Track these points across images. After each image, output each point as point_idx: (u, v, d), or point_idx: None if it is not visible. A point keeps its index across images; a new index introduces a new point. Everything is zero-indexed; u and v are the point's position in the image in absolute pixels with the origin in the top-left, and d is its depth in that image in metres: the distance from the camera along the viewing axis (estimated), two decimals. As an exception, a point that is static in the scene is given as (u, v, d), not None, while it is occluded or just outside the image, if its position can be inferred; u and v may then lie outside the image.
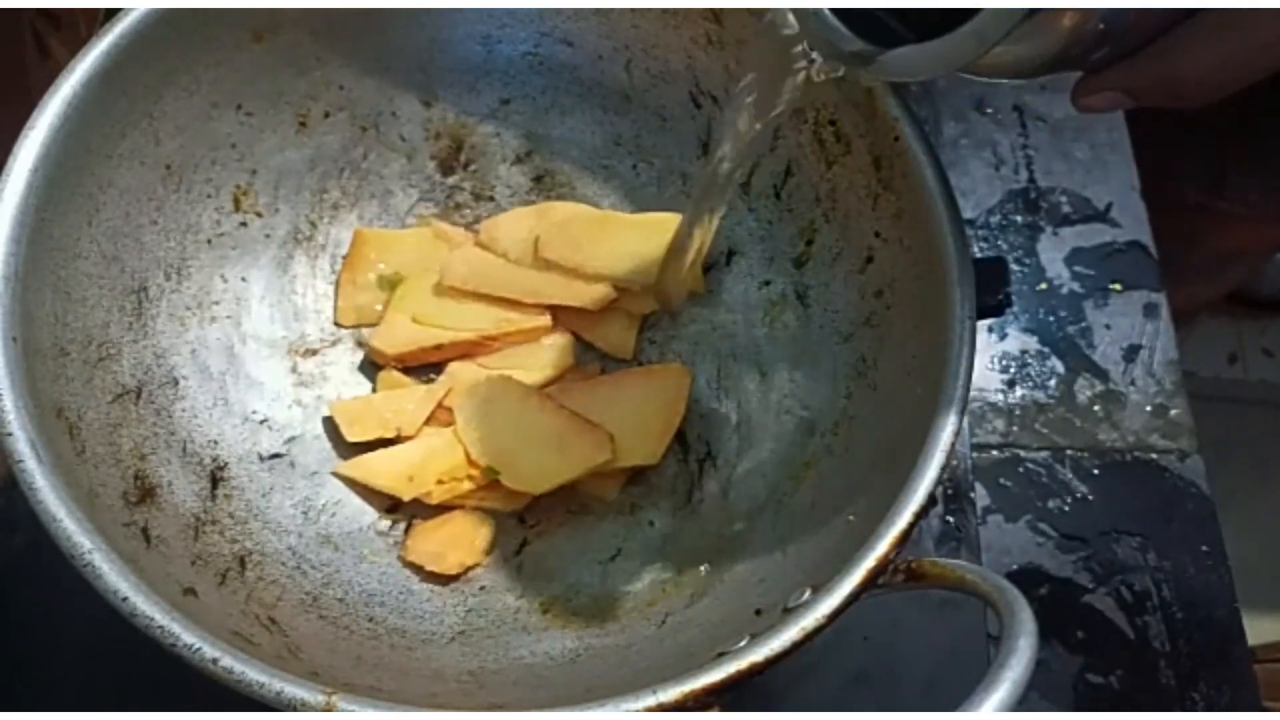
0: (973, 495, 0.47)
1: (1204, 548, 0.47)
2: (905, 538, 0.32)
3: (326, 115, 0.48)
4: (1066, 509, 0.48)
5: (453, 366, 0.47)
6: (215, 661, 0.28)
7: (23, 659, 0.42)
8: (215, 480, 0.41)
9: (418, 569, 0.42)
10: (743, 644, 0.31)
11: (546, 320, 0.47)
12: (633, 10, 0.47)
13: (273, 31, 0.43)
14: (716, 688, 0.29)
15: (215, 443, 0.42)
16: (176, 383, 0.42)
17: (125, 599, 0.29)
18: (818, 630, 0.31)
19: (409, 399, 0.45)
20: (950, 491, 0.47)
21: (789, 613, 0.32)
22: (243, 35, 0.43)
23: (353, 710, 0.28)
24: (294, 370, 0.46)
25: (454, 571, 0.42)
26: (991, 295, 0.50)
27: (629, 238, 0.48)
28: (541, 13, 0.48)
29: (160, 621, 0.29)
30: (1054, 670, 0.46)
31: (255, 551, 0.39)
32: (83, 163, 0.38)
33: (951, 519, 0.47)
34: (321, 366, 0.46)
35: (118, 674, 0.41)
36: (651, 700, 0.29)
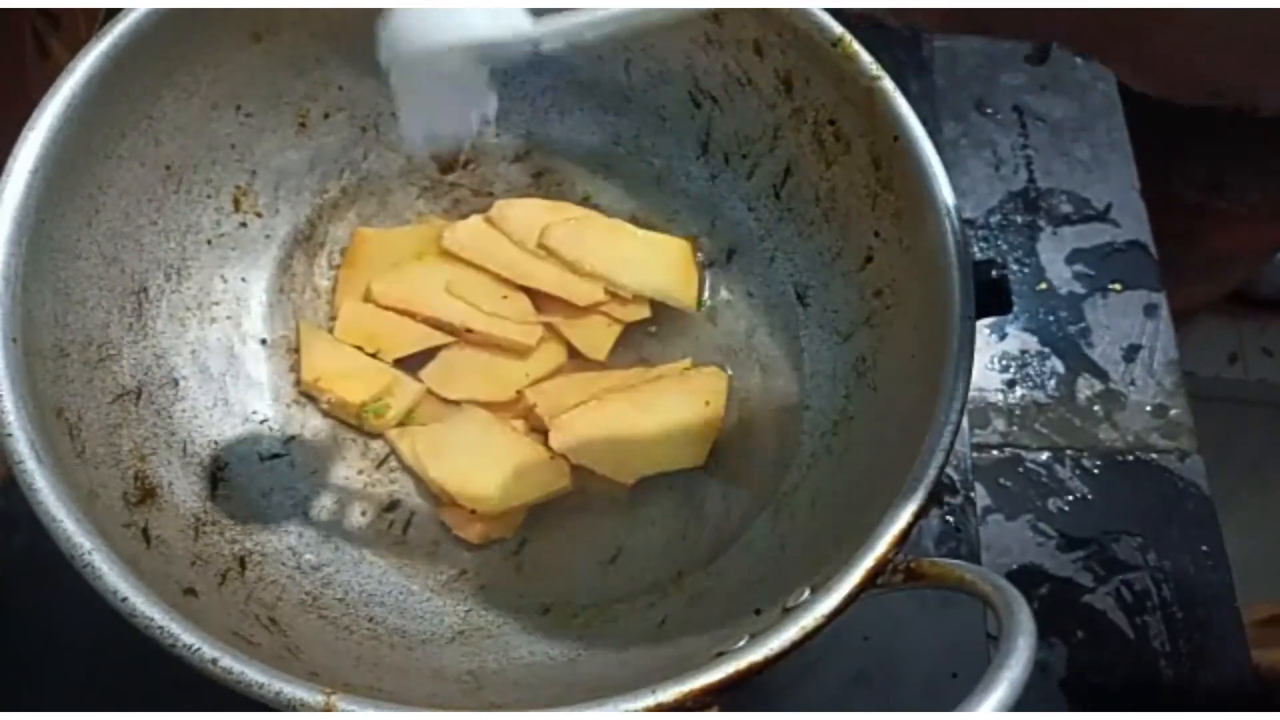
0: (973, 495, 0.47)
1: (1204, 548, 0.47)
2: (904, 537, 0.32)
3: (326, 116, 0.48)
4: (1066, 509, 0.48)
5: (431, 370, 0.46)
6: (215, 662, 0.28)
7: (23, 659, 0.42)
8: (215, 480, 0.41)
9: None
10: (742, 644, 0.31)
11: (534, 339, 0.47)
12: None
13: (272, 32, 0.43)
14: (716, 687, 0.29)
15: (215, 443, 0.42)
16: (176, 383, 0.42)
17: (125, 599, 0.29)
18: (817, 630, 0.31)
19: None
20: (950, 491, 0.47)
21: (788, 612, 0.32)
22: (242, 36, 0.43)
23: (352, 710, 0.28)
24: (293, 369, 0.46)
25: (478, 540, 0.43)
26: (991, 295, 0.50)
27: (632, 248, 0.48)
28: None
29: (160, 622, 0.29)
30: (1054, 670, 0.46)
31: (255, 552, 0.39)
32: (82, 164, 0.38)
33: (951, 519, 0.47)
34: (321, 366, 0.46)
35: (118, 674, 0.41)
36: (651, 700, 0.29)
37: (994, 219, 0.56)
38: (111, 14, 0.39)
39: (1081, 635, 0.46)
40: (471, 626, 0.40)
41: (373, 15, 0.46)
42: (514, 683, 0.37)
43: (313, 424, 0.45)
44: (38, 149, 0.35)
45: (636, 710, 0.29)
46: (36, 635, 0.42)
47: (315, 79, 0.46)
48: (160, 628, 0.29)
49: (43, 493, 0.30)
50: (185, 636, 0.29)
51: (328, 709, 0.28)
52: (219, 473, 0.41)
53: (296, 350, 0.46)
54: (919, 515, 0.33)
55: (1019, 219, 0.56)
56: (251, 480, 0.42)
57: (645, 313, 0.48)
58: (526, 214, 0.48)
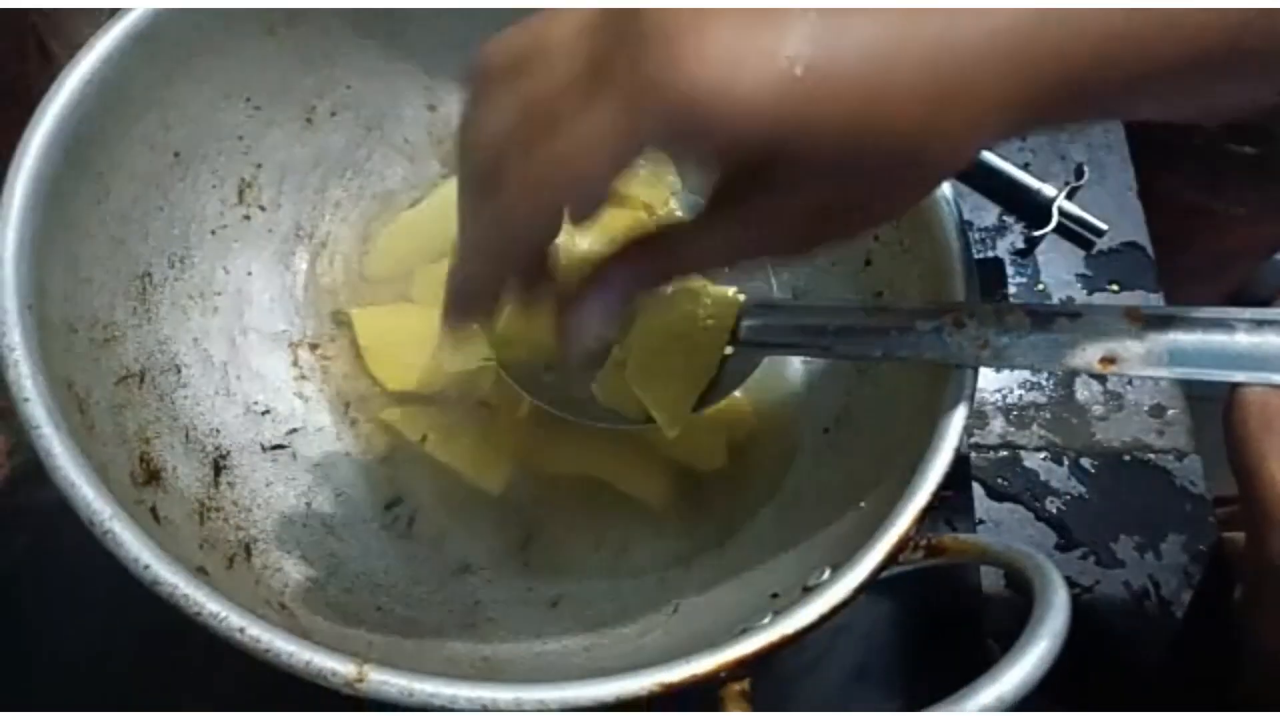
0: (971, 495, 0.48)
1: (1201, 548, 0.48)
2: (926, 514, 0.32)
3: (333, 114, 0.48)
4: (1064, 509, 0.49)
5: None
6: (242, 630, 0.28)
7: (25, 660, 0.40)
8: (218, 468, 0.40)
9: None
10: (767, 620, 0.31)
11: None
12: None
13: (287, 25, 0.43)
14: (750, 659, 0.29)
15: (217, 431, 0.41)
16: (179, 370, 0.41)
17: (148, 567, 0.28)
18: (844, 604, 0.31)
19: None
20: (949, 491, 0.48)
21: (809, 591, 0.32)
22: (258, 27, 0.43)
23: (386, 679, 0.27)
24: (295, 364, 0.45)
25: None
26: (989, 296, 0.51)
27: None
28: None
29: (184, 589, 0.28)
30: (1053, 670, 0.45)
31: (260, 539, 0.39)
32: (96, 141, 0.37)
33: (950, 518, 0.47)
34: (323, 361, 0.46)
35: (120, 675, 0.40)
36: (685, 671, 0.29)
37: (991, 220, 0.57)
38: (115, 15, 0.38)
39: (1080, 635, 0.46)
40: (481, 618, 0.40)
41: (383, 16, 0.47)
42: (529, 669, 0.37)
43: (315, 418, 0.44)
44: (57, 119, 0.35)
45: (673, 682, 0.28)
46: (39, 637, 0.41)
47: (324, 76, 0.46)
48: (185, 595, 0.28)
49: (60, 458, 0.29)
50: (211, 604, 0.28)
51: (359, 679, 0.27)
52: (221, 460, 0.40)
53: (297, 344, 0.46)
54: (939, 493, 0.33)
55: (1015, 220, 0.57)
56: (254, 469, 0.41)
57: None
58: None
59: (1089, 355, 0.33)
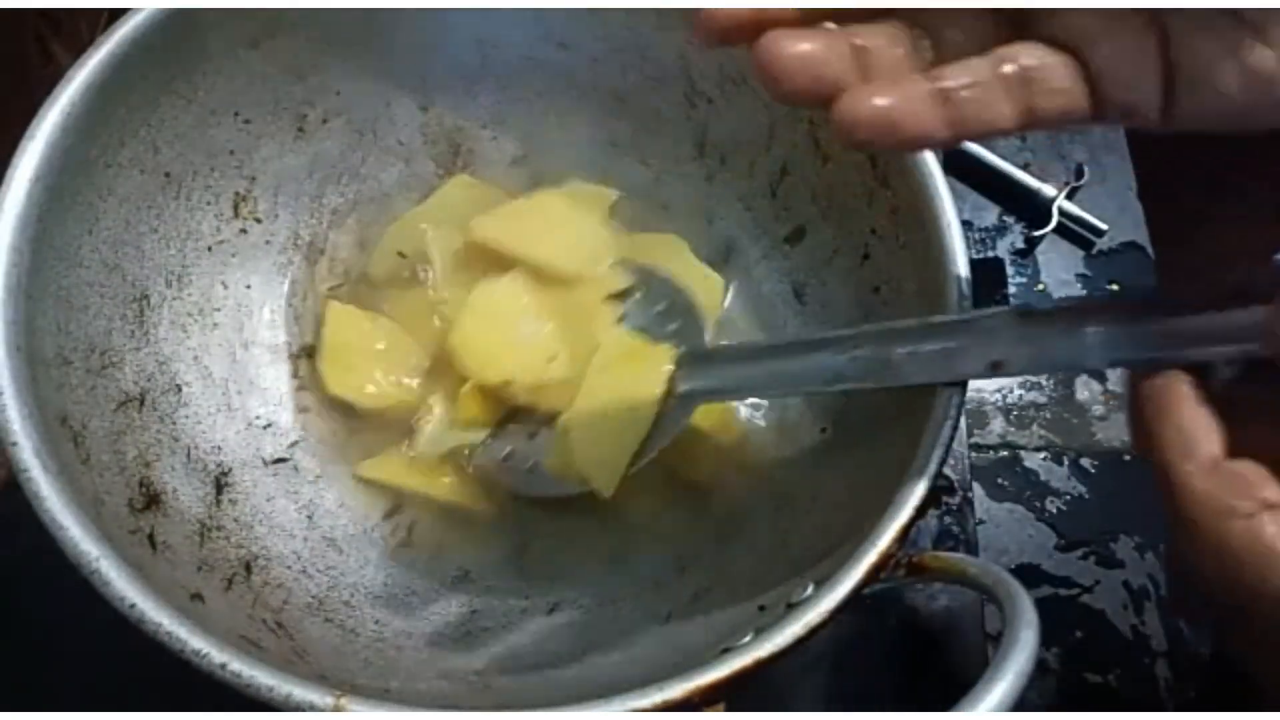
0: (971, 495, 0.47)
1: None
2: (907, 532, 0.32)
3: (324, 121, 0.48)
4: (1065, 509, 0.48)
5: None
6: (224, 666, 0.28)
7: (25, 660, 0.42)
8: (220, 486, 0.41)
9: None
10: (747, 640, 0.31)
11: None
12: (626, 12, 0.47)
13: (269, 37, 0.43)
14: (723, 683, 0.29)
15: (219, 448, 0.42)
16: (179, 389, 0.42)
17: (133, 605, 0.29)
18: (822, 625, 0.31)
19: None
20: (948, 492, 0.47)
21: (793, 608, 0.32)
22: (240, 42, 0.43)
23: (361, 711, 0.28)
24: (295, 374, 0.46)
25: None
26: (989, 296, 0.51)
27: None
28: (537, 16, 0.49)
29: (168, 627, 0.29)
30: (1053, 670, 0.46)
31: (260, 556, 0.40)
32: (83, 172, 0.38)
33: (950, 519, 0.47)
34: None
35: (121, 675, 0.41)
36: (658, 697, 0.29)
37: (991, 220, 0.56)
38: (115, 15, 0.39)
39: (1080, 635, 0.46)
40: (477, 627, 0.40)
41: (368, 19, 0.47)
42: (522, 682, 0.37)
43: (316, 429, 0.45)
44: (38, 158, 0.35)
45: (643, 707, 0.29)
46: (39, 636, 0.42)
47: (313, 84, 0.46)
48: (169, 633, 0.29)
49: (49, 501, 0.30)
50: (194, 641, 0.29)
51: (337, 709, 0.28)
52: (223, 478, 0.41)
53: (298, 355, 0.46)
54: (921, 510, 0.33)
55: (1016, 220, 0.56)
56: (256, 485, 0.42)
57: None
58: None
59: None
